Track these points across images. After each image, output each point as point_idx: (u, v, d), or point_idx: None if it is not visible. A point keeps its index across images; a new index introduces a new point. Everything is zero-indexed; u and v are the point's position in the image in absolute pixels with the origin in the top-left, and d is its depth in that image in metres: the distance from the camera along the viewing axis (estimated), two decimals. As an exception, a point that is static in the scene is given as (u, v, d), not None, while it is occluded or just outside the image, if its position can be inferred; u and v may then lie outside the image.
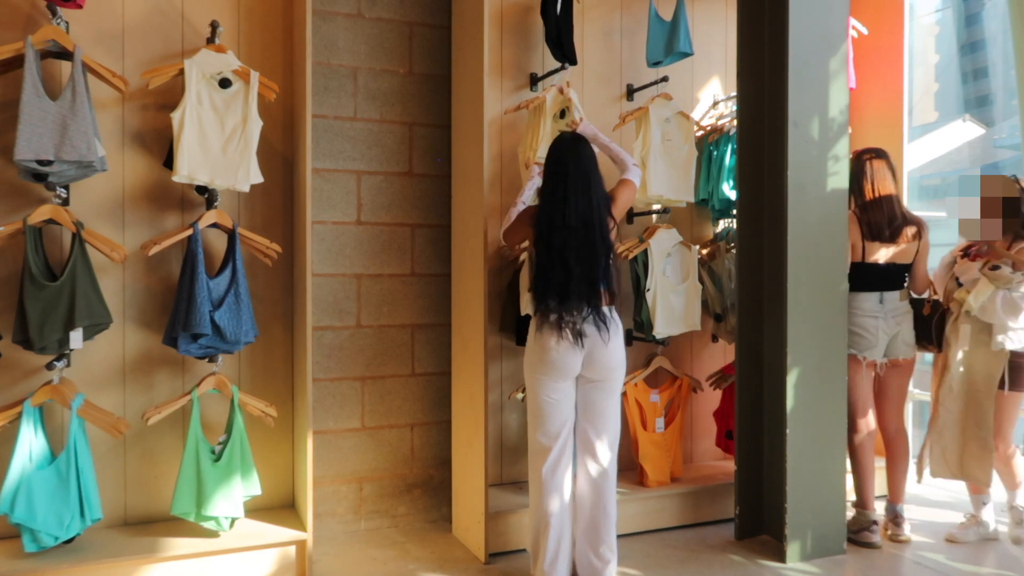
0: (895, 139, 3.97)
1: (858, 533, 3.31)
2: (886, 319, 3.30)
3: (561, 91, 3.35)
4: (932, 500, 3.88)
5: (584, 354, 2.71)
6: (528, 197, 3.02)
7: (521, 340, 3.30)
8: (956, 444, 3.30)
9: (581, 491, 2.82)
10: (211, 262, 2.94)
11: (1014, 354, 3.17)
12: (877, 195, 3.30)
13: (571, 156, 2.70)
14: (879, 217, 3.27)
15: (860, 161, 3.35)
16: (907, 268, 3.35)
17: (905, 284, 3.37)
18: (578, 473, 2.83)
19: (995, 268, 3.18)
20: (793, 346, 3.11)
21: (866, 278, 3.29)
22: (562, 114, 3.38)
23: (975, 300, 3.18)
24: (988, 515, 3.39)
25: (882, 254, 3.29)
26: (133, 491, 2.98)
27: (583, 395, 2.80)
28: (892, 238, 3.28)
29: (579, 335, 2.67)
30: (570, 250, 2.63)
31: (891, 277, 3.32)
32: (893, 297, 3.32)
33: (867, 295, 3.30)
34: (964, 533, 3.38)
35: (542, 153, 3.27)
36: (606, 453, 2.80)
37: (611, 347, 2.74)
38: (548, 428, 2.75)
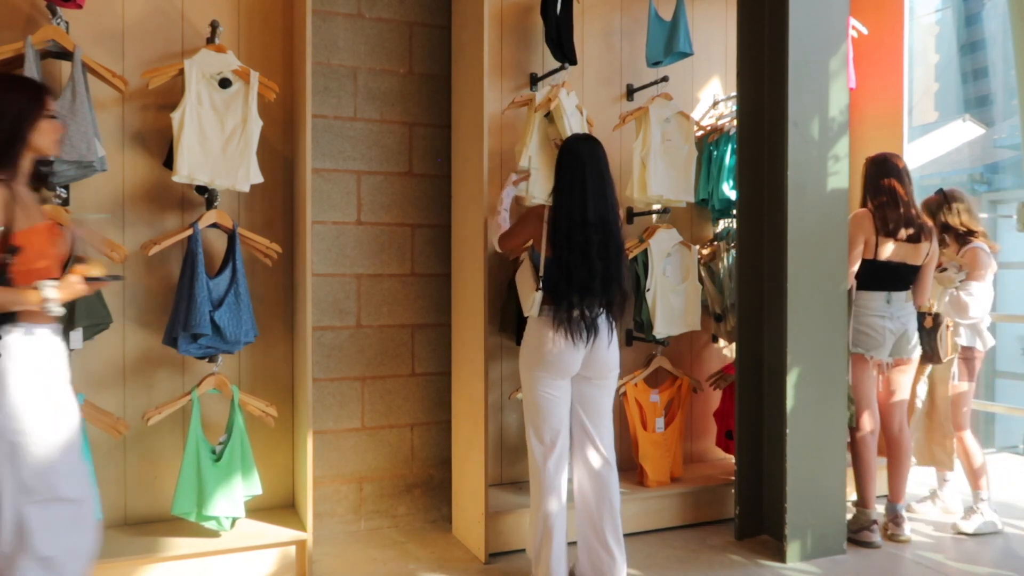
0: (895, 139, 3.97)
1: (858, 533, 3.31)
2: (892, 319, 3.30)
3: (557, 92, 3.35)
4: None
5: (586, 353, 2.71)
6: (508, 205, 3.01)
7: (521, 340, 3.29)
8: (927, 433, 3.68)
9: (583, 488, 2.81)
10: (211, 262, 2.94)
11: (963, 348, 3.49)
12: (893, 193, 3.30)
13: (587, 154, 2.69)
14: (894, 213, 3.27)
15: (880, 163, 3.36)
16: (915, 270, 3.34)
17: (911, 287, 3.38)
18: (578, 470, 2.83)
19: (943, 270, 3.47)
20: (793, 346, 3.11)
21: (875, 277, 3.29)
22: (549, 116, 3.36)
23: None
24: (952, 499, 3.72)
25: (894, 252, 3.28)
26: (133, 491, 2.98)
27: (581, 393, 2.80)
28: (907, 236, 3.26)
29: (594, 333, 2.67)
30: (592, 247, 2.63)
31: (900, 277, 3.32)
32: (900, 297, 3.33)
33: (875, 294, 3.30)
34: (922, 506, 3.76)
35: (533, 155, 3.27)
36: (608, 447, 2.80)
37: (612, 347, 2.76)
38: (551, 425, 2.74)
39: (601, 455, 2.78)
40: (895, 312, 3.31)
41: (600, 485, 2.78)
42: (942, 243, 3.54)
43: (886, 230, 3.25)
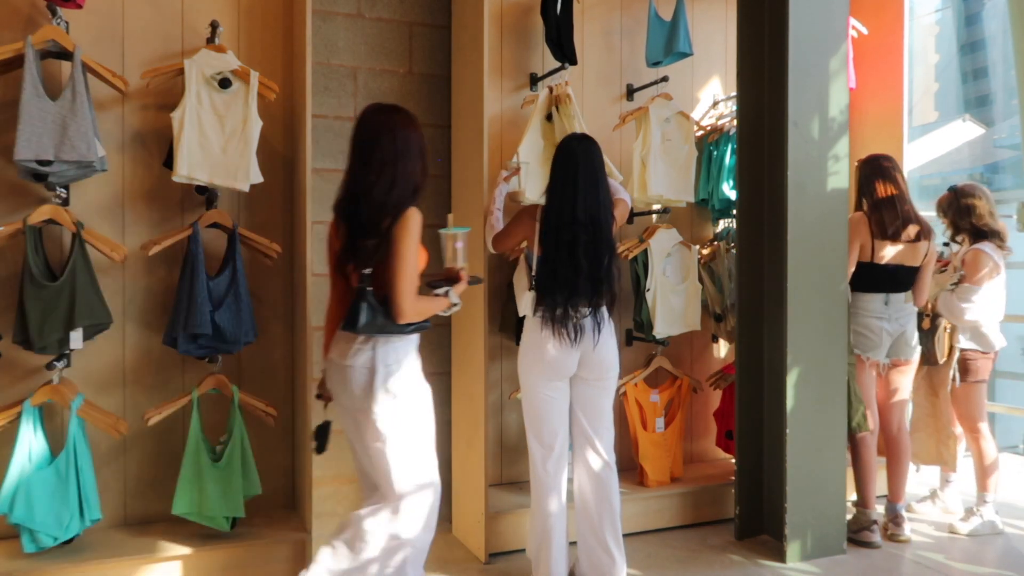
0: (895, 139, 3.97)
1: (858, 533, 3.31)
2: (890, 321, 3.30)
3: (551, 89, 3.35)
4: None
5: (580, 353, 2.70)
6: (501, 204, 3.00)
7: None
8: (932, 433, 3.69)
9: (583, 489, 2.81)
10: (211, 262, 2.94)
11: (962, 350, 3.47)
12: (888, 194, 3.30)
13: (581, 152, 2.68)
14: (891, 215, 3.27)
15: (871, 164, 3.36)
16: (914, 271, 3.34)
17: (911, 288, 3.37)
18: (578, 471, 2.82)
19: (943, 270, 3.49)
20: (793, 346, 3.11)
21: (872, 279, 3.29)
22: (548, 117, 3.36)
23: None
24: (953, 499, 3.73)
25: (890, 254, 3.28)
26: (133, 491, 2.98)
27: (580, 394, 2.79)
28: (899, 235, 3.25)
29: (579, 333, 2.66)
30: (579, 246, 2.61)
31: (898, 279, 3.32)
32: (898, 299, 3.32)
33: (872, 296, 3.30)
34: (922, 506, 3.77)
35: (522, 152, 3.26)
36: (608, 449, 2.79)
37: (608, 346, 2.74)
38: (549, 427, 2.74)
39: (601, 457, 2.78)
40: (893, 313, 3.31)
41: (600, 487, 2.77)
42: (959, 242, 3.53)
43: (883, 232, 3.25)
